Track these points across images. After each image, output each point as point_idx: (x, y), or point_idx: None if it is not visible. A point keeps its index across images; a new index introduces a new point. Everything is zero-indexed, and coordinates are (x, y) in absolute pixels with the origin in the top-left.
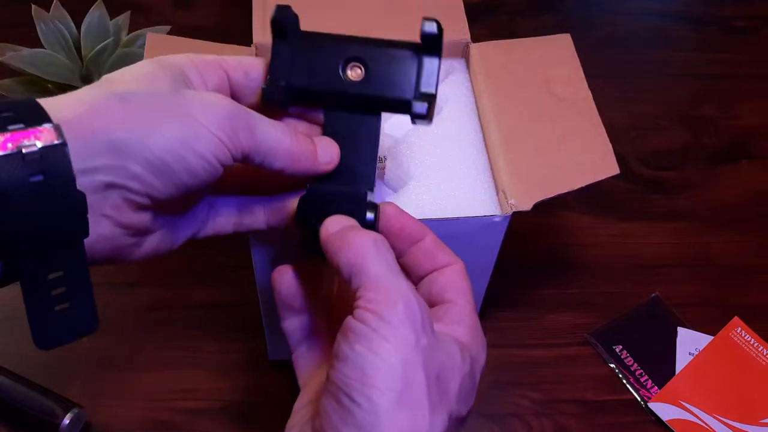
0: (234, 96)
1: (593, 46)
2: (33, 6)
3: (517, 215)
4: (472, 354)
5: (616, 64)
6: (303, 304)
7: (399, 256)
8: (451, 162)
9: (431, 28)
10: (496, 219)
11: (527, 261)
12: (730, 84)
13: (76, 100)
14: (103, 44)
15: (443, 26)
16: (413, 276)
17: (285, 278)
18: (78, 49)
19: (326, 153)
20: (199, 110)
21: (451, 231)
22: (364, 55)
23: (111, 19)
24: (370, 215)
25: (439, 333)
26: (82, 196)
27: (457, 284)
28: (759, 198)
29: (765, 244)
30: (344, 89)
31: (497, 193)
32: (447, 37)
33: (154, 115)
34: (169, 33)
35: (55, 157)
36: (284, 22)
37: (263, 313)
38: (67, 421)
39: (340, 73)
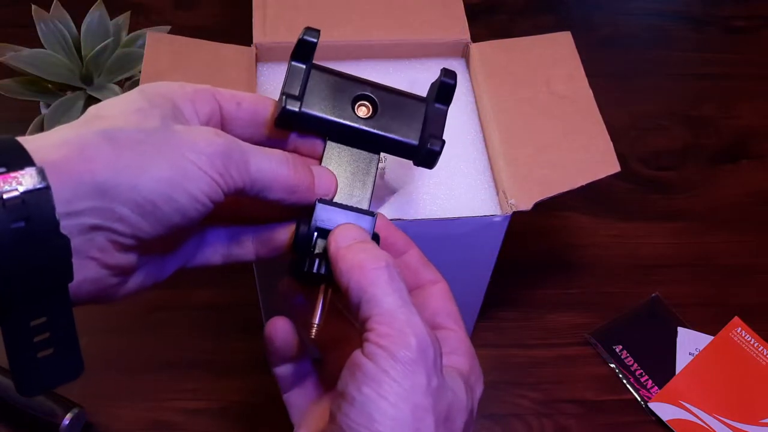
0: (224, 126)
1: (593, 46)
2: (33, 6)
3: (517, 215)
4: (471, 384)
5: (616, 64)
6: (297, 352)
7: None
8: (451, 162)
9: (451, 79)
10: (496, 219)
11: (527, 261)
12: (730, 84)
13: (60, 139)
14: (103, 44)
15: (443, 26)
16: None
17: (280, 331)
18: (78, 49)
19: (324, 184)
20: (189, 148)
21: (451, 231)
22: (374, 95)
23: (111, 19)
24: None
25: (445, 368)
26: (66, 242)
27: (446, 308)
28: (759, 198)
29: (765, 244)
30: (354, 123)
31: (497, 193)
32: (447, 37)
33: (143, 154)
34: (169, 33)
35: (38, 201)
36: (311, 45)
37: (263, 313)
38: (67, 422)
39: (351, 108)
